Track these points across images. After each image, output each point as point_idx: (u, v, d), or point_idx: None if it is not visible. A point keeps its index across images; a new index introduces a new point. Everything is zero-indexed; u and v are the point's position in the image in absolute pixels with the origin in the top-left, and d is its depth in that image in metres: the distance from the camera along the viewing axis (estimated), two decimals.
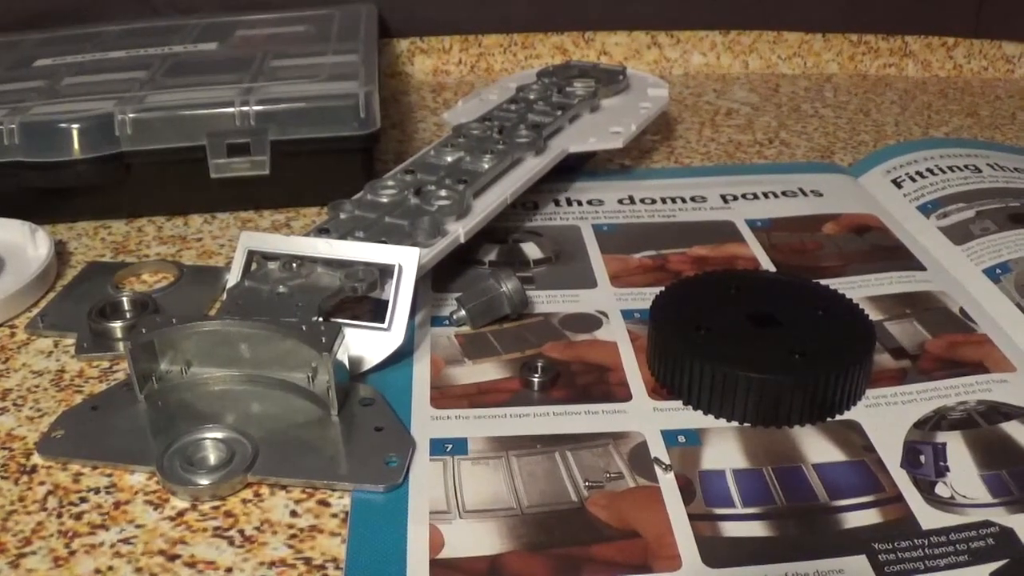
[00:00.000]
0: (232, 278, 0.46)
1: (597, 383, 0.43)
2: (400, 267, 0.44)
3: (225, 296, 0.45)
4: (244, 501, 0.37)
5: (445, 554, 0.34)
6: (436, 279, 0.51)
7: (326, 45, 0.70)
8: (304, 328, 0.40)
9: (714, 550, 0.34)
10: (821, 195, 0.62)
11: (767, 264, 0.53)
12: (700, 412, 0.41)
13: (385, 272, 0.45)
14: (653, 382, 0.43)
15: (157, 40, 0.72)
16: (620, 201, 0.61)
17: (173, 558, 0.34)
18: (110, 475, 0.38)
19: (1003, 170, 0.62)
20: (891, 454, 0.39)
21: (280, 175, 0.58)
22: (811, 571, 0.33)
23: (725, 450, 0.39)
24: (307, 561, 0.34)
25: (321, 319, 0.43)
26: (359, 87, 0.59)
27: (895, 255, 0.54)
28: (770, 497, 0.37)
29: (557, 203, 0.61)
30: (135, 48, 0.70)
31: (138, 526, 0.36)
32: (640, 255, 0.54)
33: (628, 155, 0.69)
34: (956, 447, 0.39)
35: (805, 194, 0.62)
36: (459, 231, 0.49)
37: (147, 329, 0.41)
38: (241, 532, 0.36)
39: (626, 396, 0.42)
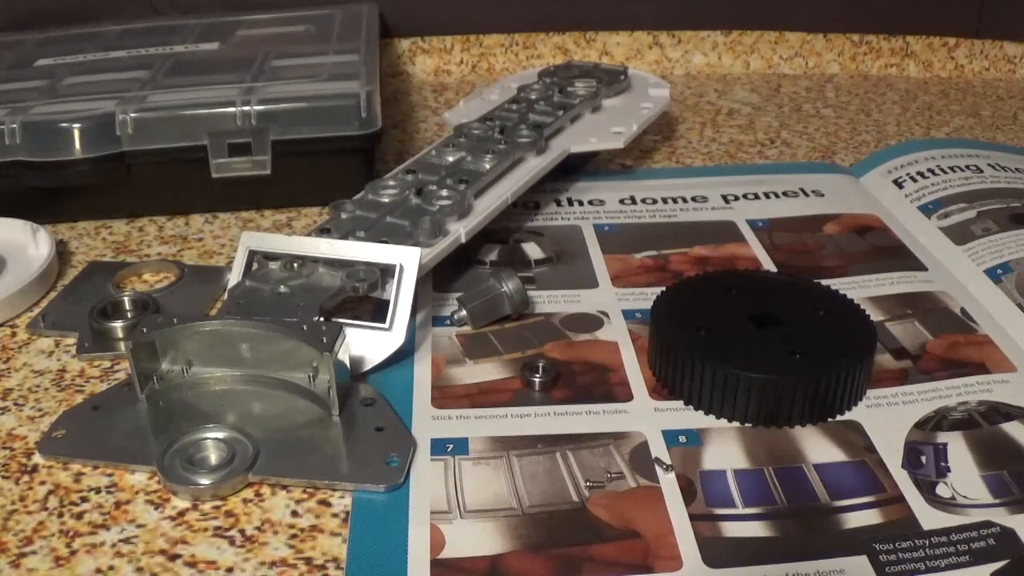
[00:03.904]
0: (233, 278, 0.46)
1: (598, 383, 0.43)
2: (401, 267, 0.44)
3: (226, 296, 0.45)
4: (245, 501, 0.37)
5: (446, 554, 0.34)
6: (437, 279, 0.51)
7: (327, 45, 0.70)
8: (305, 328, 0.40)
9: (715, 550, 0.34)
10: (822, 195, 0.62)
11: (768, 264, 0.53)
12: (701, 412, 0.41)
13: (386, 272, 0.45)
14: (654, 382, 0.43)
15: (158, 40, 0.72)
16: (621, 201, 0.61)
17: (174, 558, 0.34)
18: (111, 475, 0.38)
19: (1004, 170, 0.62)
20: (892, 454, 0.39)
21: (281, 175, 0.58)
22: (812, 571, 0.33)
23: (726, 450, 0.39)
24: (308, 561, 0.34)
25: (322, 319, 0.43)
26: (360, 87, 0.59)
27: (896, 255, 0.54)
28: (771, 497, 0.37)
29: (558, 203, 0.61)
30: (136, 48, 0.70)
31: (139, 526, 0.36)
32: (641, 255, 0.54)
33: (629, 155, 0.69)
34: (957, 447, 0.39)
35: (806, 194, 0.62)
36: (460, 231, 0.49)
37: (148, 329, 0.41)
38: (242, 532, 0.36)
39: (627, 396, 0.42)
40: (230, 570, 0.34)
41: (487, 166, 0.54)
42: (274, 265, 0.46)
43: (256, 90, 0.60)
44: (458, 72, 0.89)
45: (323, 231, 0.48)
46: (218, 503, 0.37)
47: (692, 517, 0.36)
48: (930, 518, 0.35)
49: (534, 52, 0.89)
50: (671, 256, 0.54)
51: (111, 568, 0.34)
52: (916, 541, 0.34)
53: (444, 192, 0.51)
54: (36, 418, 0.42)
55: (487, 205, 0.52)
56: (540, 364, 0.43)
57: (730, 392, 0.40)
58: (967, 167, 0.62)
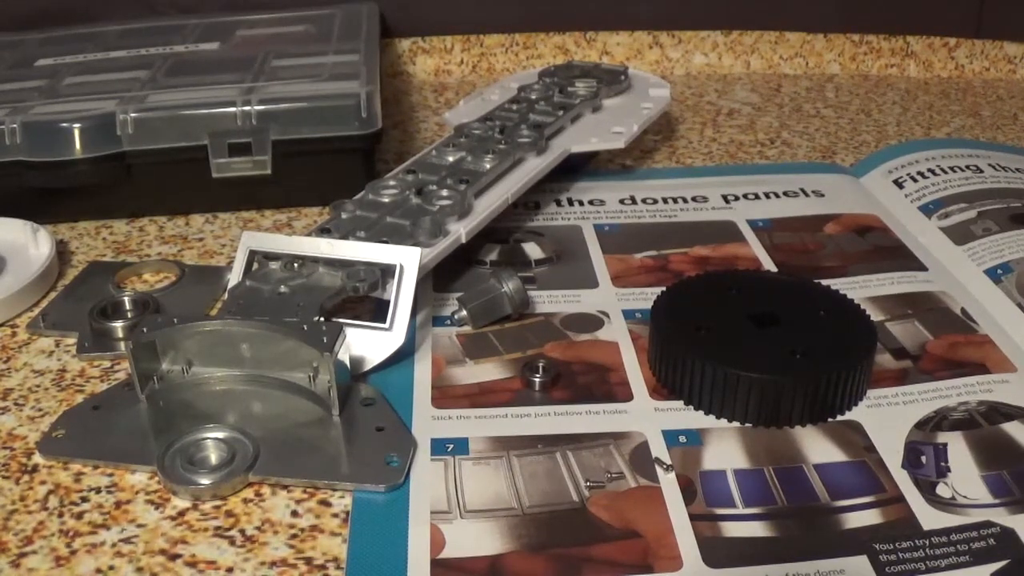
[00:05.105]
0: (233, 278, 0.46)
1: (598, 383, 0.43)
2: (401, 267, 0.44)
3: (226, 296, 0.45)
4: (245, 501, 0.37)
5: (446, 554, 0.34)
6: (437, 279, 0.51)
7: (327, 45, 0.70)
8: (305, 328, 0.40)
9: (715, 550, 0.34)
10: (822, 195, 0.62)
11: (768, 264, 0.53)
12: (701, 412, 0.41)
13: (386, 272, 0.45)
14: (654, 382, 0.43)
15: (158, 40, 0.72)
16: (622, 201, 0.61)
17: (174, 558, 0.34)
18: (111, 475, 0.38)
19: (1004, 170, 0.62)
20: (892, 454, 0.39)
21: (281, 175, 0.58)
22: (812, 571, 0.33)
23: (726, 450, 0.39)
24: (308, 561, 0.34)
25: (322, 319, 0.43)
26: (360, 87, 0.59)
27: (896, 255, 0.54)
28: (771, 497, 0.37)
29: (559, 203, 0.61)
30: (136, 48, 0.70)
31: (139, 526, 0.36)
32: (641, 255, 0.54)
33: (630, 155, 0.69)
34: (957, 447, 0.39)
35: (807, 194, 0.62)
36: (460, 231, 0.49)
37: (148, 329, 0.41)
38: (242, 532, 0.36)
39: (627, 396, 0.42)
40: (230, 570, 0.34)
41: (487, 166, 0.54)
42: (274, 265, 0.46)
43: (256, 90, 0.60)
44: (458, 72, 0.89)
45: (323, 231, 0.48)
46: (218, 503, 0.37)
47: (692, 517, 0.36)
48: (930, 518, 0.35)
49: (534, 52, 0.89)
50: (671, 256, 0.54)
51: (111, 568, 0.34)
52: (916, 541, 0.34)
53: (444, 192, 0.51)
54: (36, 418, 0.42)
55: (487, 205, 0.52)
56: (540, 364, 0.43)
57: (730, 392, 0.40)
58: (967, 167, 0.62)
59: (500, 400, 0.42)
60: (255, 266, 0.46)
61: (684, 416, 0.41)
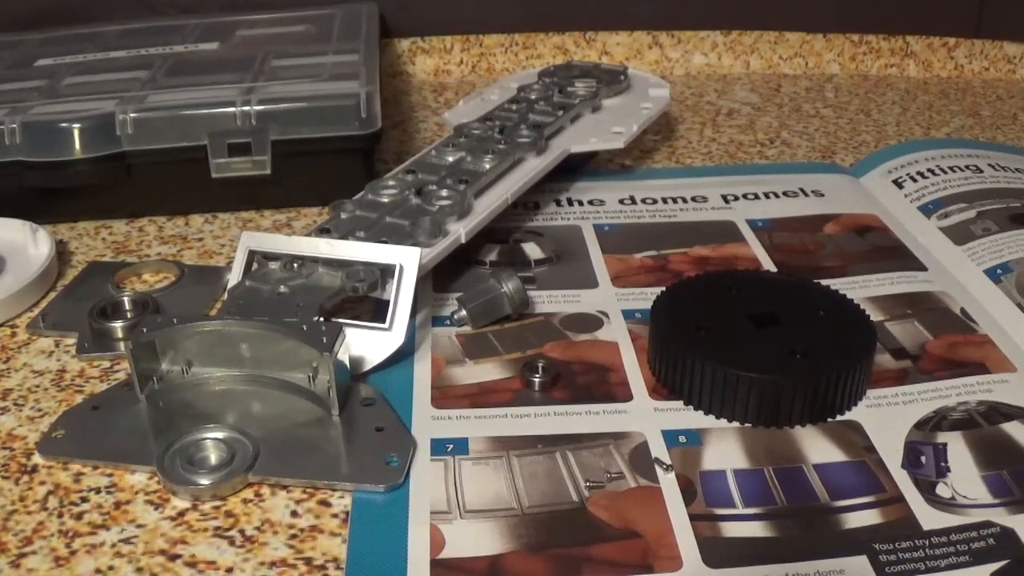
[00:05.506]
0: (233, 278, 0.46)
1: (598, 383, 0.43)
2: (401, 267, 0.44)
3: (226, 296, 0.45)
4: (245, 501, 0.37)
5: (446, 554, 0.34)
6: (437, 279, 0.51)
7: (327, 45, 0.70)
8: (305, 328, 0.40)
9: (715, 550, 0.34)
10: (822, 195, 0.62)
11: (768, 264, 0.53)
12: (701, 412, 0.41)
13: (386, 272, 0.45)
14: (654, 382, 0.43)
15: (158, 40, 0.72)
16: (621, 201, 0.61)
17: (174, 558, 0.34)
18: (111, 475, 0.38)
19: (1004, 170, 0.62)
20: (892, 454, 0.39)
21: (281, 175, 0.58)
22: (812, 571, 0.33)
23: (726, 450, 0.39)
24: (308, 561, 0.34)
25: (322, 319, 0.43)
26: (360, 87, 0.59)
27: (896, 255, 0.54)
28: (771, 497, 0.37)
29: (558, 203, 0.61)
30: (136, 48, 0.70)
31: (139, 526, 0.36)
32: (641, 255, 0.54)
33: (629, 155, 0.69)
34: (957, 447, 0.39)
35: (806, 194, 0.62)
36: (460, 231, 0.49)
37: (148, 329, 0.41)
38: (242, 532, 0.36)
39: (627, 396, 0.42)
40: (230, 570, 0.34)
41: (487, 166, 0.54)
42: (274, 265, 0.46)
43: (256, 90, 0.60)
44: (458, 72, 0.89)
45: (323, 231, 0.48)
46: (218, 503, 0.37)
47: (692, 517, 0.36)
48: (930, 518, 0.35)
49: (534, 52, 0.89)
50: (671, 256, 0.54)
51: (111, 568, 0.34)
52: (916, 541, 0.34)
53: (444, 192, 0.51)
54: (36, 418, 0.42)
55: (487, 205, 0.52)
56: (540, 364, 0.43)
57: (730, 392, 0.40)
58: (967, 167, 0.62)
59: (500, 400, 0.42)
60: (255, 266, 0.46)
61: (684, 416, 0.41)
